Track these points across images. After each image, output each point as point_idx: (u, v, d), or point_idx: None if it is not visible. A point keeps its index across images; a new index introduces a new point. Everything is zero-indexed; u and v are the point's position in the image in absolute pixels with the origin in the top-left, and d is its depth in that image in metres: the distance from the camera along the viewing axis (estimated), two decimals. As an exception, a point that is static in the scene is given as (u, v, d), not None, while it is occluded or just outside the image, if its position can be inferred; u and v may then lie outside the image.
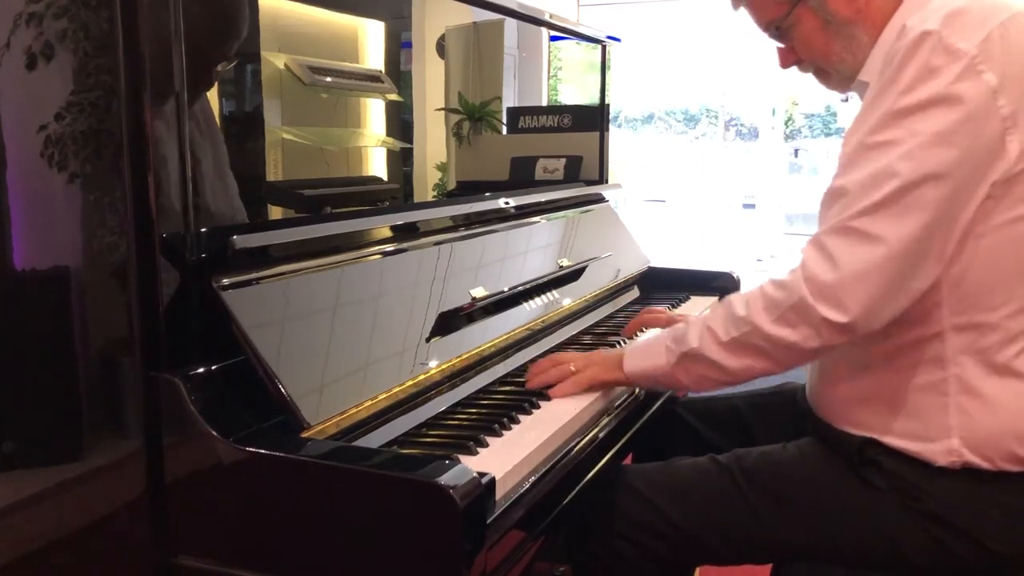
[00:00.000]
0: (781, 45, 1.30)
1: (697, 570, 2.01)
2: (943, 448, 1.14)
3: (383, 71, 1.51)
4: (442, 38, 1.69)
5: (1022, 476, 1.13)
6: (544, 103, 2.21)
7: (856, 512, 1.21)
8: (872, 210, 1.06)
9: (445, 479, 0.87)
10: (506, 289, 1.53)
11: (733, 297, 1.21)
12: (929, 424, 1.15)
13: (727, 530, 1.28)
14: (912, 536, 1.17)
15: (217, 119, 1.12)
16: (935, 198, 1.04)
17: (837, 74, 1.27)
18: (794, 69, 1.34)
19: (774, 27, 1.26)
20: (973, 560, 1.16)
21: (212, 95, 1.12)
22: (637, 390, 1.45)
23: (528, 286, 1.60)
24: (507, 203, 1.69)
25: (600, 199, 2.18)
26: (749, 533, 1.27)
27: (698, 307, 2.04)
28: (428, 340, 1.29)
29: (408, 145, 1.60)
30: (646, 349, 1.31)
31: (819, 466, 1.26)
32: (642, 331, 1.69)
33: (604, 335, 1.77)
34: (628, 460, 1.55)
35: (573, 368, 1.35)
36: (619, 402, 1.41)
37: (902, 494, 1.17)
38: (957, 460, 1.13)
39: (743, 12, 1.31)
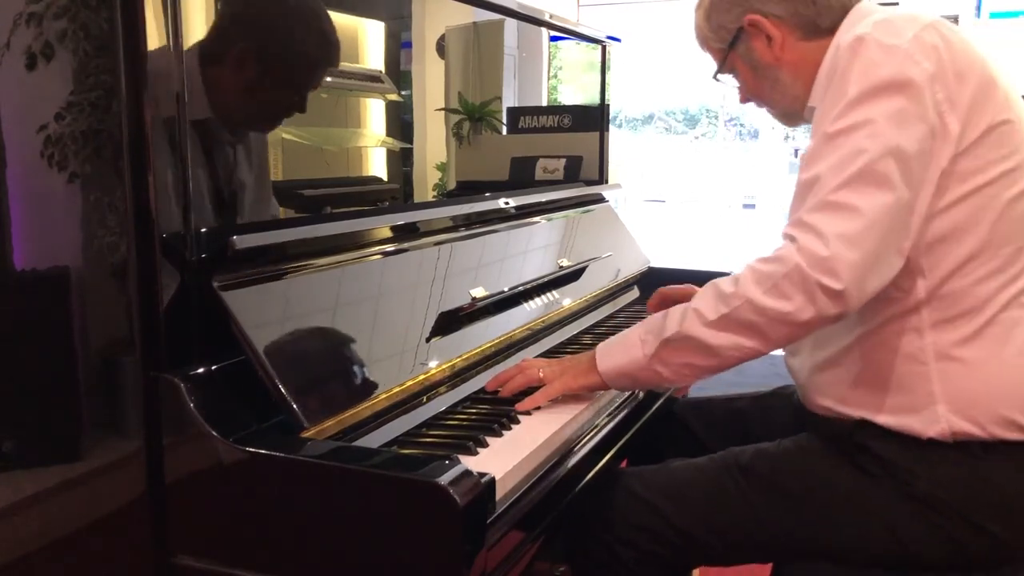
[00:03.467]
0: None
1: (696, 571, 2.01)
2: (930, 417, 1.17)
3: (383, 71, 1.51)
4: (442, 38, 1.69)
5: (1011, 448, 1.16)
6: (544, 103, 2.21)
7: (853, 502, 1.22)
8: (846, 183, 1.11)
9: (445, 479, 0.87)
10: (506, 289, 1.53)
11: (716, 280, 1.21)
12: (914, 395, 1.18)
13: (726, 529, 1.28)
14: (909, 523, 1.19)
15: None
16: (898, 171, 1.11)
17: (773, 111, 1.42)
18: None
19: (721, 70, 1.41)
20: (976, 547, 1.17)
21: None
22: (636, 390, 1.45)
23: (528, 286, 1.60)
24: (507, 203, 1.69)
25: (600, 199, 2.18)
26: (748, 531, 1.27)
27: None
28: (428, 340, 1.29)
29: (408, 145, 1.60)
30: (619, 345, 1.29)
31: (815, 458, 1.27)
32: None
33: (604, 335, 1.77)
34: (624, 464, 1.55)
35: (542, 375, 1.32)
36: (619, 402, 1.41)
37: (895, 479, 1.19)
38: (946, 429, 1.16)
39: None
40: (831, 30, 1.27)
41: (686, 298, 1.56)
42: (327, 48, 1.31)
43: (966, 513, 1.16)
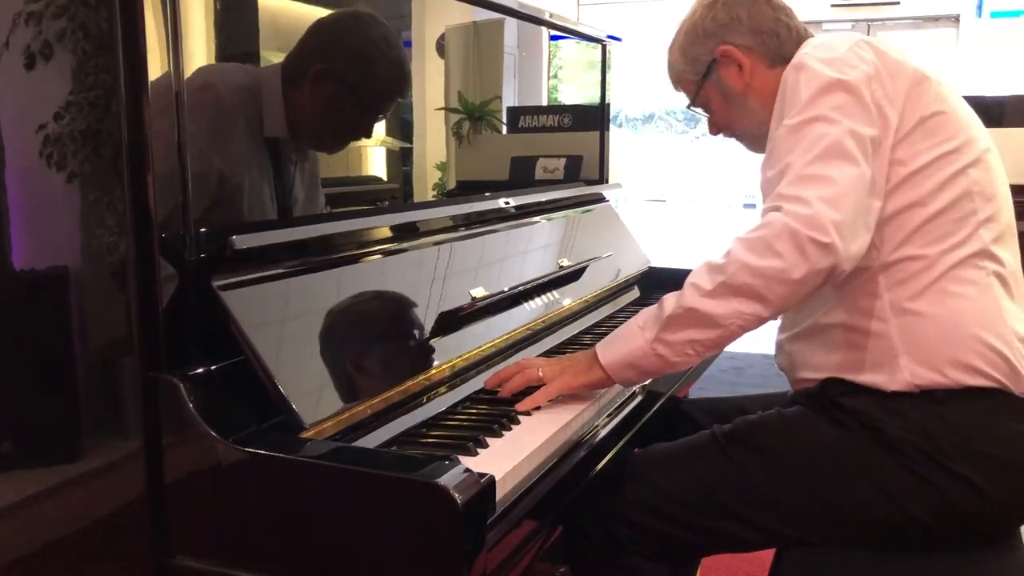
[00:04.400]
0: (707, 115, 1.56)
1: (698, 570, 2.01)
2: (893, 369, 1.25)
3: (383, 71, 1.51)
4: (442, 37, 1.69)
5: (971, 393, 1.23)
6: (544, 103, 2.21)
7: (833, 455, 1.28)
8: (816, 159, 1.20)
9: (445, 479, 0.87)
10: (506, 289, 1.52)
11: (707, 259, 1.25)
12: (878, 351, 1.27)
13: (712, 490, 1.31)
14: (889, 472, 1.24)
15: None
16: (858, 150, 1.20)
17: (743, 135, 1.53)
18: None
19: (695, 101, 1.53)
20: (961, 497, 1.21)
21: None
22: (637, 388, 1.45)
23: (528, 286, 1.60)
24: (507, 203, 1.68)
25: (600, 199, 2.18)
26: (734, 490, 1.31)
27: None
28: (428, 340, 1.28)
29: (408, 145, 1.60)
30: (618, 337, 1.31)
31: (793, 418, 1.34)
32: None
33: (605, 335, 1.77)
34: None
35: (541, 374, 1.32)
36: (620, 402, 1.40)
37: (868, 429, 1.26)
38: (908, 379, 1.24)
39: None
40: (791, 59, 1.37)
41: None
42: (402, 80, 1.47)
43: (936, 456, 1.22)
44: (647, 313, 1.29)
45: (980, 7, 8.74)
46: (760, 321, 1.21)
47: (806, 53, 1.31)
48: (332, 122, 1.33)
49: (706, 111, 1.55)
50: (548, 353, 1.60)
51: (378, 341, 1.20)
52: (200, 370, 1.00)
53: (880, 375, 1.26)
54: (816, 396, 1.33)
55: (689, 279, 1.25)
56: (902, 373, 1.25)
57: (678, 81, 1.56)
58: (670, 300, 1.25)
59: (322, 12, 1.34)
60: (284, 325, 1.08)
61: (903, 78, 1.27)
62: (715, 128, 1.57)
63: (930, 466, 1.22)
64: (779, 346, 1.45)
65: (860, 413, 1.27)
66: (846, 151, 1.19)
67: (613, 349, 1.30)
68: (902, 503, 1.23)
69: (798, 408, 1.36)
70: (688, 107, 1.57)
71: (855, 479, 1.26)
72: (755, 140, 1.50)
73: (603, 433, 1.30)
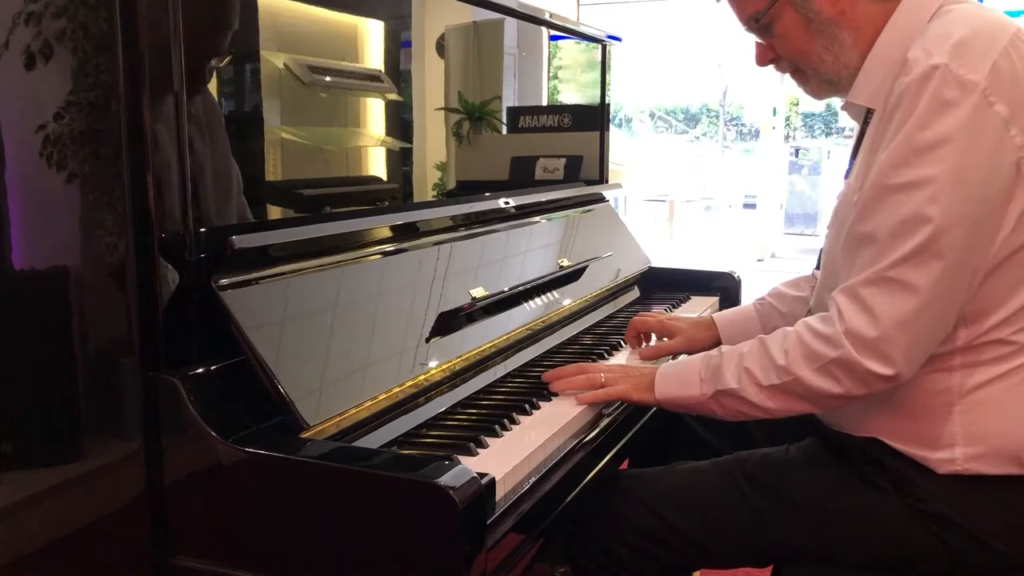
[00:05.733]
0: (760, 41, 1.28)
1: (697, 573, 2.01)
2: (946, 457, 1.14)
3: (383, 71, 1.51)
4: (442, 37, 1.69)
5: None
6: (544, 103, 2.21)
7: (860, 513, 1.21)
8: (908, 258, 1.06)
9: (445, 480, 0.87)
10: (506, 289, 1.52)
11: (769, 340, 1.20)
12: (933, 432, 1.15)
13: (729, 534, 1.27)
14: (917, 537, 1.17)
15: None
16: (963, 239, 1.05)
17: (815, 75, 1.26)
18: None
19: (755, 21, 1.24)
20: (980, 561, 1.15)
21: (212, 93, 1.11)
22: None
23: (528, 286, 1.60)
24: (507, 203, 1.68)
25: (600, 199, 2.18)
26: (752, 537, 1.27)
27: (698, 307, 2.04)
28: (428, 340, 1.28)
29: (408, 145, 1.60)
30: (678, 377, 1.29)
31: (823, 468, 1.26)
32: (642, 339, 1.66)
33: (605, 335, 1.77)
34: (626, 463, 1.55)
35: (603, 378, 1.32)
36: (619, 403, 1.40)
37: (906, 495, 1.17)
38: (960, 469, 1.14)
39: (727, 7, 1.29)
40: None
41: (663, 330, 1.61)
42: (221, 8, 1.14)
43: (975, 533, 1.14)
44: (710, 363, 1.25)
45: (980, 7, 8.74)
46: (816, 412, 1.21)
47: (943, 64, 1.05)
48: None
49: (764, 36, 1.26)
50: (548, 353, 1.60)
51: (378, 341, 1.20)
52: (200, 370, 1.00)
53: (929, 454, 1.15)
54: (852, 451, 1.23)
55: (748, 360, 1.20)
56: (955, 464, 1.14)
57: None
58: (730, 370, 1.21)
59: (322, 11, 1.34)
60: (284, 325, 1.08)
61: None
62: (770, 55, 1.28)
63: (966, 539, 1.14)
64: None
65: (901, 479, 1.18)
66: (942, 248, 1.04)
67: (671, 387, 1.29)
68: (919, 559, 1.18)
69: (827, 455, 1.27)
70: (750, 27, 1.26)
71: (877, 536, 1.20)
72: (825, 83, 1.26)
73: (604, 433, 1.30)
